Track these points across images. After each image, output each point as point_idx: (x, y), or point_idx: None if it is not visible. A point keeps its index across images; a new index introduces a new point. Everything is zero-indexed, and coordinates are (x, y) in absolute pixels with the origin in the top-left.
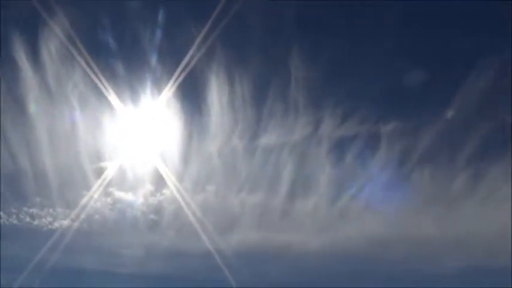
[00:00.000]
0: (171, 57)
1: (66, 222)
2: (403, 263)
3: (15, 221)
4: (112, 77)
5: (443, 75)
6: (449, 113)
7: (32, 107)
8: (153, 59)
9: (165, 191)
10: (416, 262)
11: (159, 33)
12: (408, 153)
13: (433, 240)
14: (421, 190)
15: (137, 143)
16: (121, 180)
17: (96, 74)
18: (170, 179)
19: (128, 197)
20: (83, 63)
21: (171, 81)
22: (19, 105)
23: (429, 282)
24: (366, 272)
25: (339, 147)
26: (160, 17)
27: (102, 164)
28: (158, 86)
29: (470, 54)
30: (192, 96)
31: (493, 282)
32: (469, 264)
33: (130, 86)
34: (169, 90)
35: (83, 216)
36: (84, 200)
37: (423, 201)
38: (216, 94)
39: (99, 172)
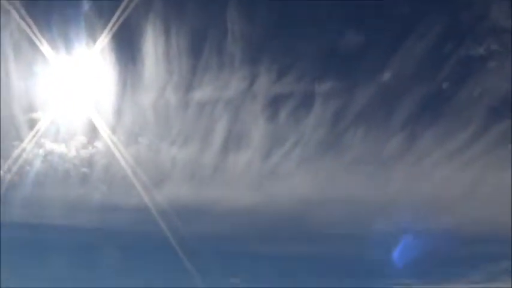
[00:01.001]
0: (106, 6)
1: None
2: (334, 224)
3: None
4: (45, 26)
5: (381, 37)
6: (386, 75)
7: None
8: (87, 8)
9: (97, 143)
10: (347, 223)
11: None
12: (342, 113)
13: (365, 202)
14: (354, 150)
15: (70, 93)
16: (53, 132)
17: (28, 23)
18: (103, 131)
19: (60, 149)
20: (14, 12)
21: (106, 31)
22: None
23: (359, 243)
24: (296, 231)
25: (274, 103)
26: None
27: (35, 115)
28: (93, 36)
29: (409, 18)
30: (127, 47)
31: (422, 245)
32: (399, 227)
33: (64, 35)
34: (104, 40)
35: (14, 168)
36: (16, 152)
37: (356, 162)
38: (152, 45)
39: (32, 123)
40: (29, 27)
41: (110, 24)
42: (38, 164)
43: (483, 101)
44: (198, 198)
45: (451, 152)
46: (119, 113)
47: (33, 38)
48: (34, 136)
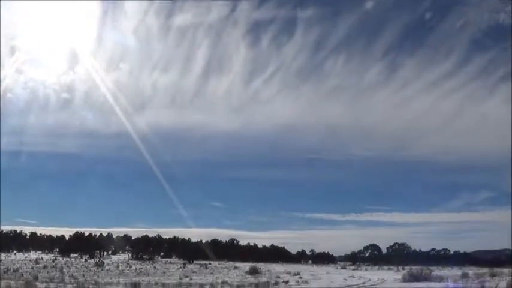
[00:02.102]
0: None
1: None
2: (312, 150)
3: None
4: None
5: None
6: (368, 3)
7: None
8: None
9: (78, 69)
10: (327, 149)
11: None
12: (324, 40)
13: (343, 129)
14: (335, 78)
15: (51, 20)
16: (34, 58)
17: None
18: (83, 57)
19: (40, 75)
20: None
21: None
22: None
23: (336, 168)
24: (276, 156)
25: (255, 29)
26: None
27: (15, 43)
28: None
29: None
30: None
31: (398, 172)
32: (377, 154)
33: None
34: None
35: None
36: None
37: (337, 89)
38: None
39: (12, 51)
40: None
41: None
42: (19, 91)
43: (466, 32)
44: (179, 123)
45: (432, 82)
46: (99, 39)
47: None
48: (14, 63)
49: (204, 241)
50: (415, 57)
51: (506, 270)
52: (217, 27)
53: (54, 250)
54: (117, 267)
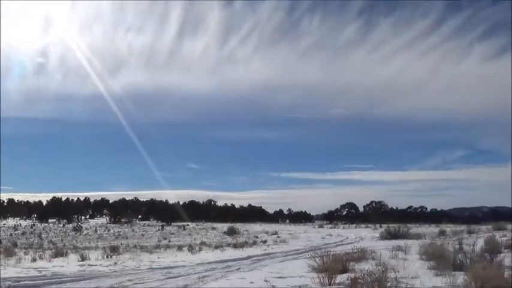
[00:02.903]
0: None
1: None
2: (289, 109)
3: None
4: None
5: None
6: None
7: None
8: None
9: (52, 33)
10: (302, 108)
11: None
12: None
13: (319, 88)
14: (310, 37)
15: None
16: (7, 23)
17: None
18: (57, 21)
19: (14, 42)
20: None
21: None
22: None
23: (312, 128)
24: (253, 116)
25: None
26: None
27: None
28: None
29: None
30: None
31: (374, 131)
32: (353, 113)
33: None
34: None
35: None
36: None
37: (312, 49)
38: None
39: None
40: None
41: None
42: None
43: None
44: (154, 85)
45: (408, 41)
46: (72, 2)
47: None
48: None
49: (181, 203)
50: (391, 17)
51: (483, 227)
52: None
53: (32, 216)
54: (96, 231)
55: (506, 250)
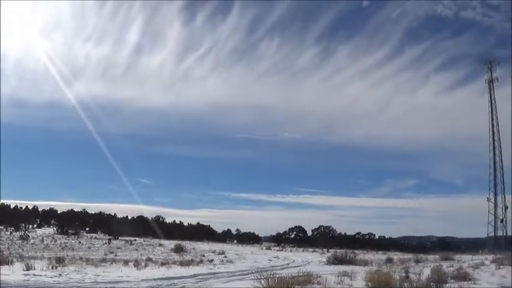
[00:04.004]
0: None
1: None
2: (243, 130)
3: None
4: None
5: None
6: None
7: None
8: None
9: (11, 37)
10: (256, 129)
11: None
12: (259, 22)
13: (274, 110)
14: (268, 60)
15: None
16: None
17: None
18: (16, 25)
19: None
20: None
21: None
22: None
23: (265, 150)
24: (206, 134)
25: (191, 6)
26: None
27: None
28: None
29: None
30: None
31: (326, 156)
32: (306, 137)
33: None
34: None
35: None
36: None
37: (269, 71)
38: None
39: None
40: None
41: None
42: None
43: (402, 22)
44: (110, 96)
45: (364, 69)
46: (33, 7)
47: None
48: None
49: (129, 217)
50: (349, 44)
51: (431, 256)
52: (153, 1)
53: None
54: (42, 240)
55: (452, 281)
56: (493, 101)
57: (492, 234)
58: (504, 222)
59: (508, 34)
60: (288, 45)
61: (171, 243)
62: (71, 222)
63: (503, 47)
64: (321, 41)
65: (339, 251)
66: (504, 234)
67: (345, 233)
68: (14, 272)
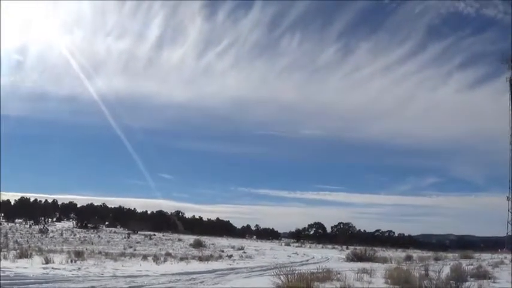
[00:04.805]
0: None
1: None
2: (262, 126)
3: None
4: None
5: None
6: None
7: None
8: None
9: (32, 30)
10: (276, 126)
11: None
12: (281, 18)
13: (294, 107)
14: (289, 56)
15: None
16: None
17: None
18: (37, 19)
19: None
20: None
21: None
22: None
23: (285, 146)
24: (226, 130)
25: (213, 2)
26: None
27: None
28: None
29: None
30: None
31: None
32: (327, 134)
33: None
34: None
35: None
36: None
37: (290, 67)
38: None
39: None
40: None
41: None
42: None
43: (424, 18)
44: (131, 91)
45: (386, 66)
46: (55, 2)
47: None
48: None
49: (149, 212)
50: (371, 41)
51: (450, 254)
52: None
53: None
54: (61, 234)
55: (472, 279)
56: None
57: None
58: None
59: None
60: (309, 41)
61: (190, 238)
62: (91, 216)
63: None
64: (342, 38)
65: (358, 248)
66: None
67: (365, 230)
68: (32, 265)
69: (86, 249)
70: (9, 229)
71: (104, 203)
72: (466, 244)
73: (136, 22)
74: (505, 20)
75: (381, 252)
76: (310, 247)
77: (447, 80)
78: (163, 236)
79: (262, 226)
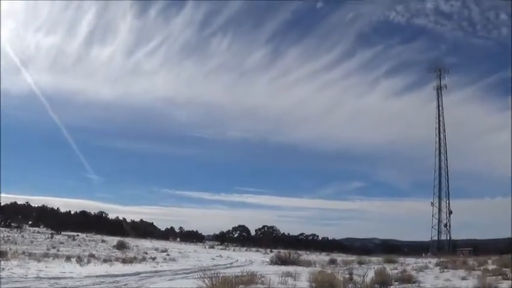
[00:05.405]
0: None
1: None
2: (189, 126)
3: None
4: None
5: None
6: None
7: None
8: None
9: None
10: (203, 127)
11: None
12: (212, 18)
13: (221, 108)
14: (218, 57)
15: None
16: None
17: None
18: None
19: None
20: None
21: None
22: None
23: (211, 148)
24: (151, 129)
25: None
26: None
27: None
28: None
29: None
30: None
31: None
32: (253, 136)
33: None
34: None
35: None
36: None
37: (219, 68)
38: None
39: None
40: None
41: None
42: None
43: (354, 25)
44: (59, 87)
45: (314, 71)
46: None
47: None
48: None
49: (72, 212)
50: (300, 46)
51: (374, 258)
52: None
53: None
54: None
55: (396, 283)
56: (440, 108)
57: (436, 238)
58: (448, 227)
59: (459, 42)
60: (239, 43)
61: (113, 240)
62: (14, 215)
63: (453, 55)
64: (272, 41)
65: (282, 251)
66: (448, 238)
67: (289, 234)
68: None
69: (10, 249)
70: None
71: (27, 202)
72: (390, 248)
73: (67, 18)
74: (435, 29)
75: (305, 255)
76: (234, 250)
77: (375, 87)
78: (86, 236)
79: (186, 228)
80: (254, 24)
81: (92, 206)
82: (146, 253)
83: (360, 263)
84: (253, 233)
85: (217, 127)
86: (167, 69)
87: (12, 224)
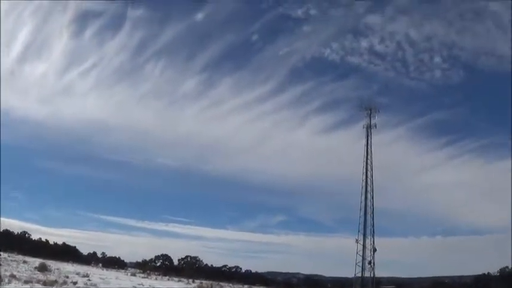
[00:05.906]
0: None
1: None
2: (118, 151)
3: None
4: None
5: None
6: (199, 15)
7: None
8: None
9: None
10: (131, 152)
11: None
12: (148, 43)
13: (151, 135)
14: (151, 83)
15: None
16: None
17: None
18: None
19: None
20: None
21: None
22: None
23: (138, 174)
24: (78, 152)
25: (83, 18)
26: None
27: None
28: None
29: None
30: None
31: (199, 186)
32: (180, 165)
33: None
34: None
35: None
36: None
37: (151, 94)
38: None
39: None
40: None
41: None
42: None
43: (289, 60)
44: None
45: (246, 103)
46: None
47: None
48: None
49: None
50: (234, 77)
51: None
52: (45, 10)
53: None
54: None
55: None
56: (368, 147)
57: (360, 274)
58: (372, 264)
59: (391, 82)
60: (173, 70)
61: (35, 261)
62: None
63: (384, 95)
64: (206, 70)
65: (204, 282)
66: (371, 275)
67: (212, 265)
68: None
69: None
70: None
71: None
72: (314, 283)
73: (3, 32)
74: (368, 68)
75: (227, 287)
76: (156, 279)
77: (305, 122)
78: (8, 256)
79: (109, 254)
80: (189, 53)
81: (15, 225)
82: (67, 277)
83: None
84: (176, 262)
85: (146, 153)
86: (99, 91)
87: None
